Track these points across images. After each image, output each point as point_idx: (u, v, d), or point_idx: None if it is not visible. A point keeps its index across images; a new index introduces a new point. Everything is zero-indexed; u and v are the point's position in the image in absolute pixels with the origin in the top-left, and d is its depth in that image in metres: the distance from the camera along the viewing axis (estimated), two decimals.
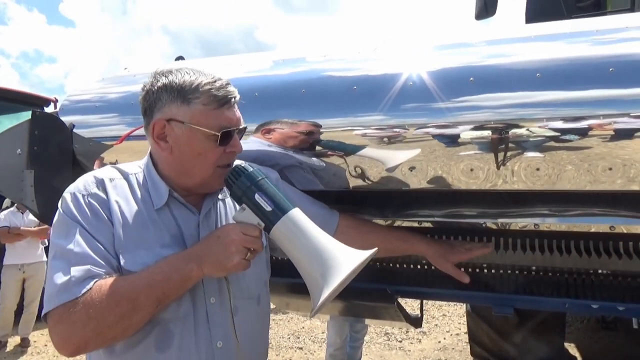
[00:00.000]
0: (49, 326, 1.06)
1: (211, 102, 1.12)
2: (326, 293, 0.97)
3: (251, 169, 1.12)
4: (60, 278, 1.04)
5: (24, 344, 5.19)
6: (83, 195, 1.12)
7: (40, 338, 5.32)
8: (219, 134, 1.11)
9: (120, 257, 1.10)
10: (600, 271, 1.59)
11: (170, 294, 1.07)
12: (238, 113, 1.17)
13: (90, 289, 1.03)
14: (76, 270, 1.04)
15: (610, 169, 1.19)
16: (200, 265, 1.07)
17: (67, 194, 1.14)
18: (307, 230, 1.05)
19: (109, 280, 1.05)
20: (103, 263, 1.07)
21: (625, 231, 1.39)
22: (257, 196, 1.07)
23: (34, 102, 6.97)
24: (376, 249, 1.07)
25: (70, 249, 1.06)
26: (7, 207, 5.30)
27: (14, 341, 5.26)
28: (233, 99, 1.15)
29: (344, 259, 1.01)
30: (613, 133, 1.18)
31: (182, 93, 1.12)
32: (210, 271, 1.08)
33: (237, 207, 1.14)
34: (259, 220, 1.08)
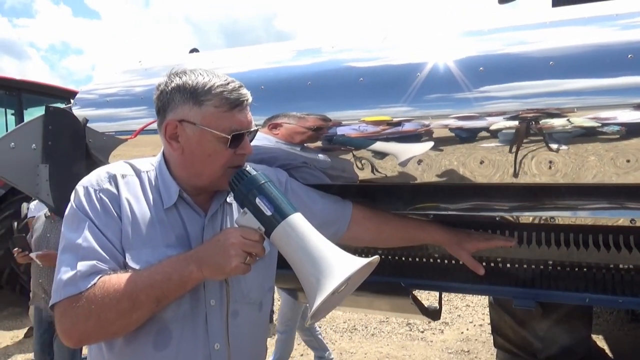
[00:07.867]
0: (55, 317, 1.09)
1: (223, 105, 1.13)
2: (320, 299, 0.96)
3: (254, 173, 1.11)
4: (67, 271, 1.07)
5: None
6: (95, 190, 1.14)
7: None
8: (229, 137, 1.12)
9: (126, 254, 1.11)
10: (621, 266, 1.53)
11: (170, 294, 1.07)
12: (250, 116, 1.18)
13: (94, 284, 1.05)
14: (82, 265, 1.06)
15: (629, 160, 1.13)
16: (200, 267, 1.07)
17: (79, 188, 1.16)
18: (305, 236, 1.04)
19: (113, 277, 1.07)
20: (108, 258, 1.09)
21: None
22: (258, 200, 1.07)
23: (62, 95, 7.14)
24: (376, 257, 1.05)
25: (78, 243, 1.08)
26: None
27: None
28: (245, 102, 1.15)
29: (340, 266, 0.99)
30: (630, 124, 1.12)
31: (194, 95, 1.13)
32: (209, 274, 1.08)
33: (241, 210, 1.13)
34: (260, 225, 1.07)
